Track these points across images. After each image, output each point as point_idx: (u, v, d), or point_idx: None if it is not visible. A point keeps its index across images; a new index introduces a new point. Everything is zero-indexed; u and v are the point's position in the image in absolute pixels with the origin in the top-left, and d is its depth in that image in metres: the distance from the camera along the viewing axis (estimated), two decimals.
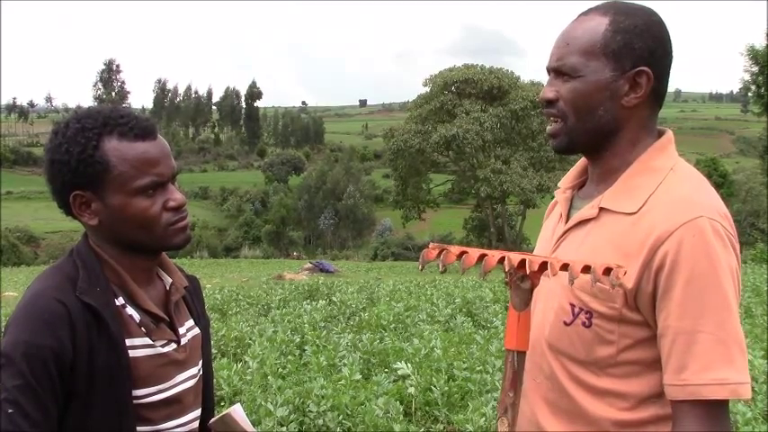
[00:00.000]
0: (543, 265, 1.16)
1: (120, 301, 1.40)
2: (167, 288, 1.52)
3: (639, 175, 1.40)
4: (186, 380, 1.48)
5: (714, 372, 1.24)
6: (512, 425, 1.14)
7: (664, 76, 1.40)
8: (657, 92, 1.40)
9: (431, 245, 1.15)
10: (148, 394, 1.39)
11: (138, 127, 1.39)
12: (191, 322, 1.55)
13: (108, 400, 1.33)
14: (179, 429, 1.45)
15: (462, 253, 1.14)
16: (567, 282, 1.17)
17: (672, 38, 1.41)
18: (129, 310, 1.40)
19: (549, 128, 1.46)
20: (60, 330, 1.29)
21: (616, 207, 1.39)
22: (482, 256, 1.15)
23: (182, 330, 1.50)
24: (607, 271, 1.18)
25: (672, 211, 1.30)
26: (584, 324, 1.37)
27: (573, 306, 1.38)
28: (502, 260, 1.15)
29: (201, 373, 1.55)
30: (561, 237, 1.49)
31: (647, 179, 1.38)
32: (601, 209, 1.41)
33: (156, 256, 1.50)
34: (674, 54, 1.41)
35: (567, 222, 1.50)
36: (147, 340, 1.40)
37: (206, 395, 1.58)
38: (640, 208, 1.35)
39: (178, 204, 1.42)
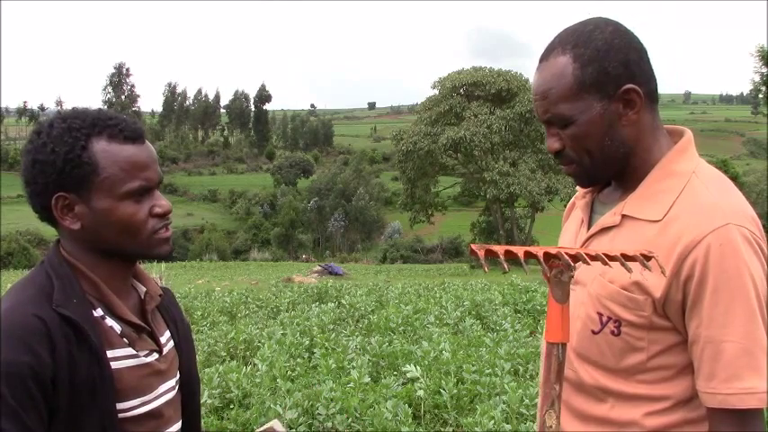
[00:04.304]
0: (581, 258, 1.17)
1: (98, 312, 1.34)
2: (142, 297, 1.47)
3: (662, 180, 1.37)
4: (167, 391, 1.44)
5: (742, 381, 1.23)
6: (558, 417, 1.15)
7: (649, 77, 1.37)
8: (650, 93, 1.38)
9: (473, 246, 1.15)
10: (133, 407, 1.34)
11: (127, 129, 1.35)
12: (168, 333, 1.50)
13: (92, 414, 1.27)
14: None
15: (507, 251, 1.15)
16: (627, 271, 1.18)
17: (634, 30, 1.37)
18: (110, 322, 1.35)
19: (565, 169, 1.45)
20: (38, 346, 1.21)
21: (640, 214, 1.36)
22: (527, 253, 1.16)
23: (162, 340, 1.46)
24: (647, 258, 1.20)
25: (698, 218, 1.28)
26: (612, 333, 1.36)
27: (601, 315, 1.37)
28: (546, 256, 1.16)
29: (179, 385, 1.50)
30: (584, 243, 1.47)
31: (670, 184, 1.36)
32: (623, 216, 1.39)
33: (134, 263, 1.45)
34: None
35: (588, 229, 1.48)
36: (130, 350, 1.36)
37: (190, 405, 1.54)
38: (665, 215, 1.32)
39: (164, 211, 1.38)
